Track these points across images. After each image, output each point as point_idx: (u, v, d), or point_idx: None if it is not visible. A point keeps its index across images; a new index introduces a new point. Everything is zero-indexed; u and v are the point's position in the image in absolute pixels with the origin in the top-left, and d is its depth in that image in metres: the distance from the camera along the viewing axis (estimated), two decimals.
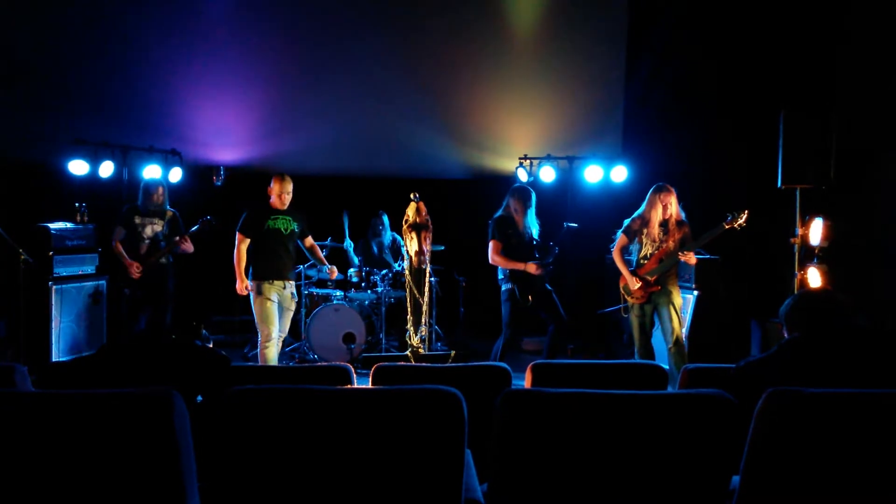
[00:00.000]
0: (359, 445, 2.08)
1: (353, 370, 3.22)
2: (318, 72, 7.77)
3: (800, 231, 5.72)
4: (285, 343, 6.03)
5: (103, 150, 6.84)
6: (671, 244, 5.14)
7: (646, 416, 2.16)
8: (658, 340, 5.29)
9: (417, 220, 4.98)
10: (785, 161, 5.59)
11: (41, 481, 2.00)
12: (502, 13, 7.93)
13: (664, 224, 5.16)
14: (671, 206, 5.14)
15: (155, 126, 7.42)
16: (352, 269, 6.80)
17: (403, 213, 5.10)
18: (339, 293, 6.71)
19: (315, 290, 6.84)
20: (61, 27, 7.27)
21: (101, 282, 6.33)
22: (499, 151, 7.98)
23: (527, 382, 3.08)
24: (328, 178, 7.79)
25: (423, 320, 5.10)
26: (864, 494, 2.10)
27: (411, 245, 4.99)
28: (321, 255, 5.78)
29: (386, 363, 3.21)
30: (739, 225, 4.98)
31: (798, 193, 5.73)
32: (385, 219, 7.20)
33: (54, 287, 5.92)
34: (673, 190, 5.17)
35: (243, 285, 5.34)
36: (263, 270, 5.35)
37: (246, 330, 7.18)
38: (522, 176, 7.42)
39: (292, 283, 5.50)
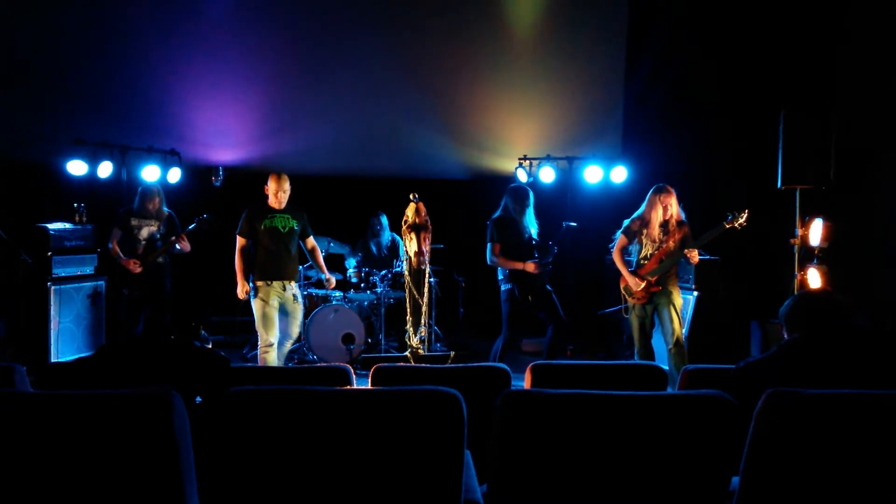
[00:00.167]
0: (358, 446, 2.08)
1: (352, 371, 3.22)
2: (318, 72, 7.76)
3: (800, 231, 5.72)
4: None
5: (102, 150, 6.83)
6: (671, 244, 5.13)
7: (646, 417, 2.16)
8: (658, 341, 5.29)
9: (417, 220, 4.96)
10: (785, 161, 5.59)
11: (41, 482, 2.00)
12: (502, 13, 7.93)
13: (664, 225, 5.15)
14: (671, 207, 5.13)
15: (154, 126, 7.41)
16: (351, 270, 6.81)
17: (403, 213, 5.09)
18: (338, 294, 6.70)
19: (314, 291, 6.82)
20: (61, 27, 7.27)
21: (99, 282, 6.32)
22: (498, 151, 7.98)
23: (526, 383, 3.07)
24: (328, 178, 7.79)
25: (422, 321, 5.08)
26: (864, 495, 2.09)
27: (411, 246, 4.98)
28: (322, 260, 5.72)
29: (385, 364, 3.21)
30: (740, 225, 4.99)
31: (798, 193, 5.73)
32: (384, 219, 7.20)
33: (53, 287, 5.90)
34: (673, 191, 5.16)
35: (243, 289, 5.25)
36: (262, 271, 5.24)
37: (245, 330, 7.18)
38: (522, 176, 7.41)
39: (294, 283, 5.38)
